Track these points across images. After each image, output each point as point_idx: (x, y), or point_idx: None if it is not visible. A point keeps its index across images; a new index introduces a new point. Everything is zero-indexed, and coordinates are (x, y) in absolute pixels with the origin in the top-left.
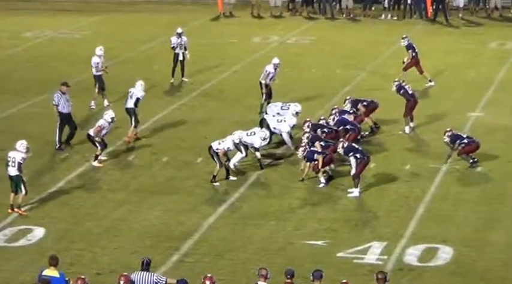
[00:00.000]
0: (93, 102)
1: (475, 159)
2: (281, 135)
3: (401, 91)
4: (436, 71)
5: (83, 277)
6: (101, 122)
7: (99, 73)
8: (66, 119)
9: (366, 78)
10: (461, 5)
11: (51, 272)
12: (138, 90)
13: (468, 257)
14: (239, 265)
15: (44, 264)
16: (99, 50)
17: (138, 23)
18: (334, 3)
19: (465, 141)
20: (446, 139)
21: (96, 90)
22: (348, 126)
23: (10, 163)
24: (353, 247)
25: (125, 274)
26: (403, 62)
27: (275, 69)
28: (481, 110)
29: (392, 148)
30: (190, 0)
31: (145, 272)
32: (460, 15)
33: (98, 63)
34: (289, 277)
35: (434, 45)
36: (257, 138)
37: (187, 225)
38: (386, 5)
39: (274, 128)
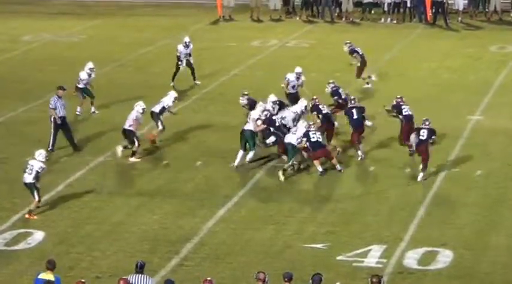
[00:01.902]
0: (79, 108)
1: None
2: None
3: (336, 97)
4: (435, 75)
5: (82, 280)
6: (134, 115)
7: (81, 86)
8: (61, 123)
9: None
10: (461, 9)
11: (47, 276)
12: (167, 99)
13: (468, 260)
14: (238, 268)
15: (44, 268)
16: (89, 66)
17: (137, 27)
18: (333, 6)
19: (401, 116)
20: (393, 103)
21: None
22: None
23: (27, 171)
24: (353, 251)
25: (124, 277)
26: (356, 66)
27: (297, 78)
28: (480, 113)
29: (393, 151)
30: (190, 4)
31: (140, 275)
32: (460, 18)
33: (84, 80)
34: (287, 280)
35: (433, 48)
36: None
37: (187, 229)
38: (386, 8)
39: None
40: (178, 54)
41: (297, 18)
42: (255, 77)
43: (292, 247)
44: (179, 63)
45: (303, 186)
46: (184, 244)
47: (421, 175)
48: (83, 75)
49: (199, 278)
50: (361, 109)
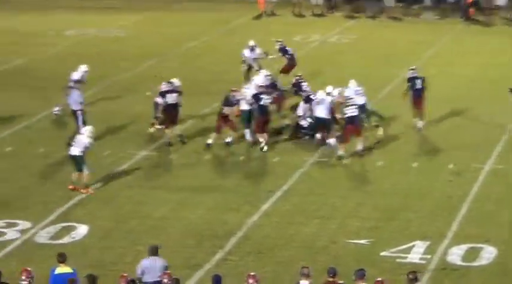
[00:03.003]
0: (57, 108)
1: None
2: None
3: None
4: (479, 70)
5: (125, 274)
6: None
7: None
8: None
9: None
10: (504, 4)
11: (64, 269)
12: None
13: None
14: (282, 263)
15: (88, 262)
16: (83, 68)
17: (182, 21)
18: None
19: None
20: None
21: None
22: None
23: (74, 144)
24: (396, 246)
25: (125, 274)
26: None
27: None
28: None
29: (436, 147)
30: None
31: (155, 257)
32: (503, 14)
33: (75, 80)
34: (331, 275)
35: (475, 44)
36: None
37: (231, 224)
38: (428, 3)
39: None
40: (243, 59)
41: (339, 14)
42: (297, 73)
43: (336, 242)
44: (243, 65)
45: (346, 181)
46: (228, 239)
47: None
48: (77, 75)
49: (243, 273)
50: None
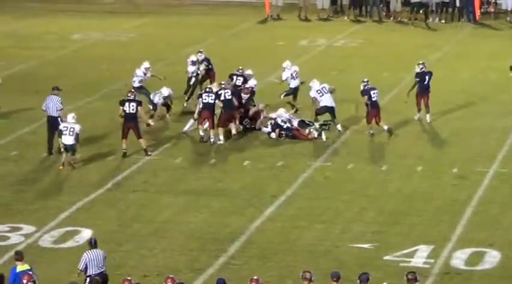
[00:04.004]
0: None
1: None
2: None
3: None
4: (484, 74)
5: (129, 278)
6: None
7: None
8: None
9: (413, 81)
10: (510, 8)
11: (24, 267)
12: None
13: None
14: (285, 267)
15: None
16: (146, 64)
17: (186, 25)
18: (381, 5)
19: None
20: None
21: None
22: None
23: (68, 133)
24: (400, 251)
25: (129, 278)
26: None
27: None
28: None
29: (440, 151)
30: (238, 3)
31: (96, 250)
32: (508, 18)
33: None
34: (335, 279)
35: (482, 48)
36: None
37: (234, 227)
38: (434, 8)
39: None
40: (189, 76)
41: (345, 18)
42: (303, 77)
43: (339, 247)
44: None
45: (350, 186)
46: (231, 243)
47: None
48: (140, 72)
49: (246, 277)
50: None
